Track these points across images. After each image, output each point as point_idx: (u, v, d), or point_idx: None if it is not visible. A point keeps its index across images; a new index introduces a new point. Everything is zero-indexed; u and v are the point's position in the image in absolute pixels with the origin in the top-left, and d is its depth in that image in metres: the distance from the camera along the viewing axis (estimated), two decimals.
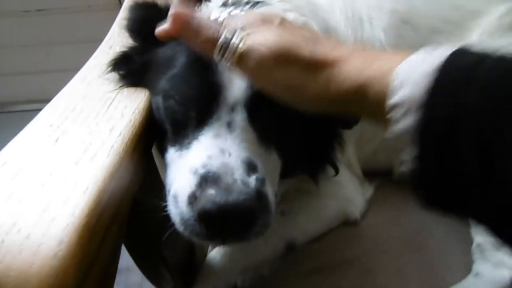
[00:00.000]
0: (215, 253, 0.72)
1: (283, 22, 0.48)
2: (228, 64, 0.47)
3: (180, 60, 0.58)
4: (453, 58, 0.36)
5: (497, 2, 0.82)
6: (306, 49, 0.44)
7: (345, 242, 0.78)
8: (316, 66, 0.44)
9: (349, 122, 0.68)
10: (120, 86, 0.62)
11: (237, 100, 0.55)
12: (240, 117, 0.55)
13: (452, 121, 0.33)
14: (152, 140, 0.62)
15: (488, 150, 0.32)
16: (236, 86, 0.55)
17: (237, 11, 0.56)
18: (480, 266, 0.69)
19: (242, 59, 0.45)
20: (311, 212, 0.77)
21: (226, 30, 0.46)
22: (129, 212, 0.51)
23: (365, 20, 0.80)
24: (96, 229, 0.40)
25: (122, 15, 0.86)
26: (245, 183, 0.49)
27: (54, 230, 0.37)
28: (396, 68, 0.38)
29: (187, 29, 0.49)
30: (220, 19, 0.49)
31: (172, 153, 0.57)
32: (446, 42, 0.79)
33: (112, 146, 0.49)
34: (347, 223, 0.80)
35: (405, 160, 0.37)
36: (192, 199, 0.49)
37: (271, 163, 0.57)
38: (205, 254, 0.75)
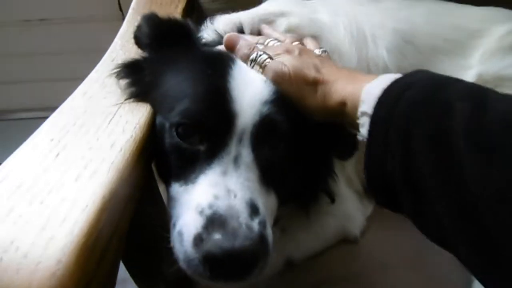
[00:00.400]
0: None
1: (301, 52, 0.65)
2: (256, 68, 0.63)
3: (193, 90, 0.59)
4: (393, 83, 0.49)
5: (498, 23, 0.83)
6: (312, 71, 0.60)
7: (344, 259, 0.77)
8: (316, 84, 0.59)
9: (344, 154, 0.71)
10: (124, 99, 0.62)
11: (245, 128, 0.56)
12: (246, 151, 0.56)
13: (385, 128, 0.47)
14: (152, 155, 0.62)
15: (409, 147, 0.44)
16: (247, 113, 0.57)
17: (274, 42, 0.70)
18: (479, 285, 0.68)
19: (264, 70, 0.63)
20: (310, 229, 0.77)
21: (257, 51, 0.65)
22: (128, 227, 0.51)
23: (369, 39, 0.80)
24: (95, 247, 0.40)
25: (125, 27, 0.87)
26: (249, 228, 0.50)
27: (52, 249, 0.37)
28: (363, 88, 0.52)
29: (234, 46, 0.67)
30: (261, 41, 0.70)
31: (176, 188, 0.57)
32: (447, 60, 0.80)
33: (112, 162, 0.49)
34: (346, 240, 0.80)
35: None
36: (198, 240, 0.49)
37: (270, 203, 0.58)
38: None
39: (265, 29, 0.77)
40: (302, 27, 0.77)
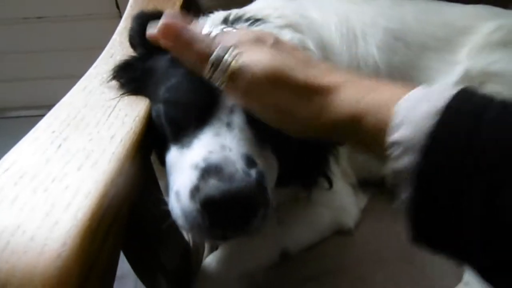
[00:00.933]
0: (211, 260, 0.73)
1: (277, 42, 0.47)
2: (218, 82, 0.46)
3: (180, 69, 0.59)
4: (457, 100, 0.34)
5: (486, 19, 0.85)
6: (300, 72, 0.44)
7: (338, 250, 0.79)
8: (308, 91, 0.43)
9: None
10: (121, 94, 0.64)
11: (235, 103, 0.57)
12: (238, 118, 0.56)
13: (456, 168, 0.32)
14: (151, 147, 0.64)
15: (494, 203, 0.31)
16: None
17: (230, 28, 0.56)
18: (470, 275, 0.70)
19: (233, 78, 0.45)
20: (305, 221, 0.79)
21: (219, 46, 0.45)
22: (128, 218, 0.52)
23: (360, 37, 0.82)
24: (98, 231, 0.41)
25: (123, 24, 0.88)
26: (247, 173, 0.49)
27: (58, 233, 0.39)
28: (394, 102, 0.37)
29: (177, 41, 0.48)
30: (213, 34, 0.50)
31: (173, 153, 0.58)
32: (435, 57, 0.82)
33: (113, 153, 0.50)
34: (340, 232, 0.82)
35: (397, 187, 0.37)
36: (195, 191, 0.49)
37: (269, 162, 0.58)
38: (201, 260, 0.76)
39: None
40: (294, 24, 0.78)
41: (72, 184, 0.45)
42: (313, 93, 0.43)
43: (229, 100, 0.55)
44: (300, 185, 0.74)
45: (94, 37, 1.49)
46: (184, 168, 0.53)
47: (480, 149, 0.31)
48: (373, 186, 0.89)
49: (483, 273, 0.34)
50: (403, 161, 0.35)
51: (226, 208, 0.47)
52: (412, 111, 0.35)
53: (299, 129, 0.46)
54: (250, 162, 0.52)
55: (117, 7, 1.57)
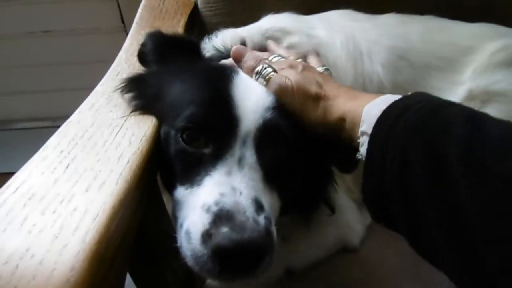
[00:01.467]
0: None
1: (305, 67, 0.68)
2: (260, 81, 0.66)
3: (198, 96, 0.61)
4: (392, 104, 0.51)
5: (489, 40, 0.85)
6: (313, 86, 0.63)
7: (343, 268, 0.79)
8: (317, 99, 0.62)
9: (346, 167, 0.72)
10: (129, 111, 0.64)
11: (249, 132, 0.58)
12: (249, 153, 0.57)
13: (383, 149, 0.49)
14: (157, 166, 0.64)
15: (405, 169, 0.46)
16: (250, 118, 0.59)
17: (278, 58, 0.73)
18: None
19: (268, 83, 0.65)
20: (311, 239, 0.79)
21: (263, 64, 0.67)
22: (135, 237, 0.53)
23: (365, 55, 0.83)
24: (106, 255, 0.42)
25: (129, 41, 0.89)
26: (256, 221, 0.51)
27: (66, 257, 0.39)
28: (363, 107, 0.54)
29: (241, 57, 0.71)
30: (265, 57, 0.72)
31: (182, 191, 0.59)
32: (440, 76, 0.82)
33: (120, 174, 0.51)
34: (346, 249, 0.82)
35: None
36: (206, 237, 0.50)
37: (274, 203, 0.60)
38: (205, 278, 0.75)
39: (271, 44, 0.80)
40: (300, 43, 0.79)
41: (80, 206, 0.45)
42: (320, 100, 0.62)
43: (244, 127, 0.59)
44: (302, 213, 0.75)
45: (99, 51, 1.50)
46: (195, 207, 0.54)
47: (395, 135, 0.48)
48: None
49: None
50: (363, 147, 0.53)
51: (236, 257, 0.49)
52: (369, 113, 0.53)
53: (313, 125, 0.62)
54: (258, 207, 0.54)
55: (122, 21, 1.59)
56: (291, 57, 0.74)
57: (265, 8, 0.93)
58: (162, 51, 0.71)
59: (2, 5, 1.57)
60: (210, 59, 0.77)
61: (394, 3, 0.93)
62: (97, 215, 0.44)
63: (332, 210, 0.75)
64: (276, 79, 0.64)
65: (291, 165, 0.62)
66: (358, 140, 0.54)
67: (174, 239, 0.56)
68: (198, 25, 1.10)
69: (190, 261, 0.53)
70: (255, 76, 0.66)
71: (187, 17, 1.04)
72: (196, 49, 0.75)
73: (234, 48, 0.72)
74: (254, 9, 0.96)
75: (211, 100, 0.60)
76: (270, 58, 0.73)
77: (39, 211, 0.45)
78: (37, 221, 0.43)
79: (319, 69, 0.72)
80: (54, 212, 0.45)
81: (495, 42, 0.84)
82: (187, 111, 0.59)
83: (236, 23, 0.90)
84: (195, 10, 1.10)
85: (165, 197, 0.70)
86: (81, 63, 1.65)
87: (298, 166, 0.64)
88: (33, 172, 0.51)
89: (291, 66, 0.67)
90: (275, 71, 0.66)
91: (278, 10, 0.92)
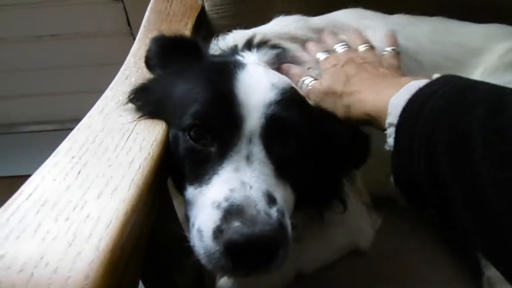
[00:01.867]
0: (225, 281, 0.73)
1: (348, 61, 0.74)
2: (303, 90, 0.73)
3: (202, 95, 0.60)
4: (417, 92, 0.52)
5: (498, 41, 0.85)
6: (339, 86, 0.68)
7: (353, 271, 0.79)
8: (343, 95, 0.67)
9: (357, 162, 0.72)
10: (138, 117, 0.64)
11: (253, 130, 0.58)
12: (257, 149, 0.57)
13: (410, 136, 0.51)
14: (167, 171, 0.64)
15: (432, 153, 0.48)
16: (253, 116, 0.58)
17: (343, 47, 0.79)
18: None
19: (309, 91, 0.73)
20: (322, 241, 0.79)
21: (304, 77, 0.76)
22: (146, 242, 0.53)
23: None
24: (119, 262, 0.42)
25: (137, 45, 0.89)
26: (268, 214, 0.50)
27: (80, 265, 0.39)
28: (388, 100, 0.56)
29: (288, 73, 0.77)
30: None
31: (191, 191, 0.59)
32: None
33: (132, 180, 0.51)
34: (355, 252, 0.81)
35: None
36: (218, 233, 0.50)
37: (287, 196, 0.59)
38: (215, 281, 0.75)
39: (325, 36, 0.85)
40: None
41: (93, 213, 0.45)
42: (344, 97, 0.66)
43: (249, 126, 0.58)
44: (316, 208, 0.74)
45: (106, 54, 1.51)
46: (206, 205, 0.53)
47: (420, 122, 0.50)
48: (386, 207, 0.88)
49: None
50: (392, 133, 0.55)
51: (249, 252, 0.48)
52: (397, 102, 0.54)
53: (345, 119, 0.67)
54: (270, 199, 0.53)
55: (129, 24, 1.59)
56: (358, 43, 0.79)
57: (271, 10, 0.93)
58: (165, 54, 0.71)
59: (10, 9, 1.59)
60: (218, 56, 0.77)
61: (401, 3, 0.93)
62: (110, 222, 0.44)
63: (345, 206, 0.74)
64: (311, 87, 0.73)
65: (302, 157, 0.61)
66: (385, 132, 0.56)
67: (186, 238, 0.56)
68: (205, 28, 1.10)
69: (203, 259, 0.52)
70: (298, 85, 0.74)
71: (194, 19, 1.04)
72: (198, 49, 0.74)
73: (282, 66, 0.78)
74: (260, 11, 0.96)
75: (214, 99, 0.60)
76: (336, 48, 0.79)
77: (52, 218, 0.45)
78: (51, 228, 0.43)
79: (361, 47, 0.78)
80: (67, 219, 0.45)
81: (505, 43, 0.84)
82: (192, 109, 0.59)
83: (243, 25, 0.90)
84: (202, 12, 1.10)
85: (176, 202, 0.70)
86: (88, 66, 1.66)
87: (309, 157, 0.63)
88: (45, 178, 0.51)
89: (335, 64, 0.74)
90: (315, 78, 0.74)
91: (285, 11, 0.91)
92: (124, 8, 1.56)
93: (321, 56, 0.80)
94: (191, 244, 0.54)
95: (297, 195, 0.62)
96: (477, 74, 0.83)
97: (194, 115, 0.58)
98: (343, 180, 0.72)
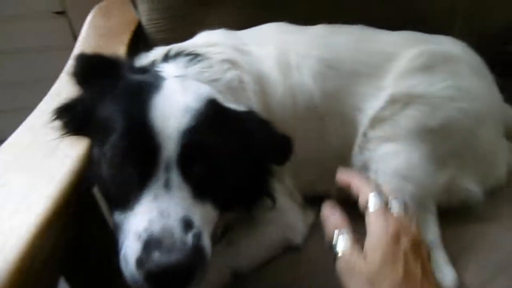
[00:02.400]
0: None
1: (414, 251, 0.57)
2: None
3: (120, 124, 0.62)
4: None
5: (410, 46, 0.92)
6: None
7: (291, 266, 0.82)
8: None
9: (281, 158, 0.75)
10: (63, 134, 0.67)
11: (170, 158, 0.60)
12: (174, 175, 0.60)
13: None
14: (92, 183, 0.66)
15: None
16: (169, 145, 0.61)
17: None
18: None
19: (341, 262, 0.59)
20: (253, 240, 0.82)
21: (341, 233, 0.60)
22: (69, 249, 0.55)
23: (294, 68, 0.88)
24: (30, 271, 0.44)
25: (71, 62, 0.91)
26: (183, 242, 0.55)
27: None
28: None
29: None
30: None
31: (118, 215, 0.62)
32: (365, 83, 0.88)
33: (48, 195, 0.53)
34: (292, 249, 0.85)
35: None
36: (139, 263, 0.54)
37: (207, 214, 0.63)
38: None
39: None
40: (233, 60, 0.83)
41: (6, 226, 0.48)
42: None
43: (166, 154, 0.60)
44: (245, 207, 0.78)
45: (51, 69, 1.49)
46: (129, 233, 0.57)
47: None
48: (321, 202, 0.92)
49: None
50: None
51: (167, 279, 0.53)
52: None
53: None
54: (187, 225, 0.57)
55: (75, 39, 1.58)
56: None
57: (208, 24, 0.95)
58: (86, 73, 0.73)
59: None
60: (141, 70, 0.78)
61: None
62: (21, 236, 0.46)
63: (273, 200, 0.77)
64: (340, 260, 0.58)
65: (220, 172, 0.65)
66: None
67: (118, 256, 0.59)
68: (143, 42, 1.12)
69: (129, 282, 0.56)
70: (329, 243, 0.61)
71: (131, 34, 1.06)
72: (117, 67, 0.75)
73: (322, 211, 0.65)
74: (197, 25, 0.98)
75: (131, 129, 0.62)
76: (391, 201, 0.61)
77: None
78: None
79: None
80: None
81: (414, 48, 0.90)
82: (112, 137, 0.61)
83: (179, 39, 0.92)
84: (139, 27, 1.12)
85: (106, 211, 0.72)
86: (31, 82, 1.63)
87: (229, 169, 0.66)
88: None
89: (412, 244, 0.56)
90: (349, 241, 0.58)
91: (217, 26, 0.94)
92: (70, 22, 1.55)
93: (374, 202, 0.60)
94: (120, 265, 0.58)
95: (222, 205, 0.66)
96: (390, 78, 0.88)
97: (113, 146, 0.61)
98: (267, 177, 0.76)
